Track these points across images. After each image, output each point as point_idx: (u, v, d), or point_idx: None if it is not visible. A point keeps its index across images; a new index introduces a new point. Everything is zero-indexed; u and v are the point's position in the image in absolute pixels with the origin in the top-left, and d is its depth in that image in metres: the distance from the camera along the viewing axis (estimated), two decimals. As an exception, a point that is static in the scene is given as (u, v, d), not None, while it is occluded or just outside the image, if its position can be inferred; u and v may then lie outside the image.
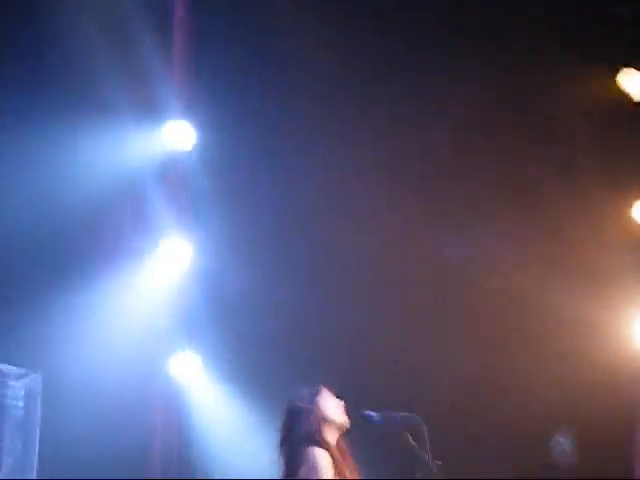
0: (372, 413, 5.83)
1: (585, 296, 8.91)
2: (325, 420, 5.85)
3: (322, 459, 5.70)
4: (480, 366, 9.46)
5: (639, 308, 9.12)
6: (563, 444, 9.45)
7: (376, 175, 9.68)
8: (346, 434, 5.95)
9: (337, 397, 5.95)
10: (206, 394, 10.08)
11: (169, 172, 10.07)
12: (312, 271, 9.87)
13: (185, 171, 10.12)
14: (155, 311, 9.84)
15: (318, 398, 5.87)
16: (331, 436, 5.88)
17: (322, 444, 5.76)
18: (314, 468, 5.71)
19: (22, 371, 8.88)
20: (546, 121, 9.31)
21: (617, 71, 9.16)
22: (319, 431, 5.81)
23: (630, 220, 9.15)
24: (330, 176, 9.77)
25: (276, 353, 9.72)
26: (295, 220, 9.90)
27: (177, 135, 10.02)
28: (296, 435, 5.80)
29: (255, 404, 9.47)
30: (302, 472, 5.77)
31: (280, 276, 9.78)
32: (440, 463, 5.66)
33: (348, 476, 5.82)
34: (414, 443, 5.72)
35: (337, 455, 5.81)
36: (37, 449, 8.86)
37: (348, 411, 5.88)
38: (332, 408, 5.90)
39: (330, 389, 5.95)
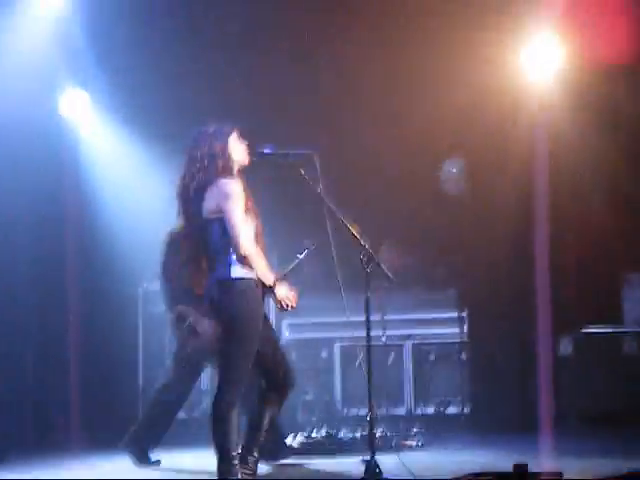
0: (266, 149, 6.30)
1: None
2: (232, 158, 6.17)
3: (237, 187, 6.06)
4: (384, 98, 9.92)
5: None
6: (452, 172, 9.93)
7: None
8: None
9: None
10: (99, 133, 10.23)
11: None
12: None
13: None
14: (38, 49, 9.56)
15: (230, 137, 6.17)
16: (235, 171, 6.19)
17: (234, 174, 6.14)
18: (229, 196, 6.01)
19: None
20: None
21: None
22: (230, 164, 6.15)
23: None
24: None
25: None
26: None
27: None
28: (209, 161, 6.10)
29: (152, 144, 9.63)
30: (210, 199, 6.03)
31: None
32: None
33: (250, 206, 6.12)
34: (305, 175, 6.20)
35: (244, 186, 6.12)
36: None
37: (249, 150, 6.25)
38: (240, 149, 6.20)
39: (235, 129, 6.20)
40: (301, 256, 7.25)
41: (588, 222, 9.77)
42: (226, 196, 6.00)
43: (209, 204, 6.07)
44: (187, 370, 7.92)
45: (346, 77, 10.23)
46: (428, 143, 10.11)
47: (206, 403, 9.85)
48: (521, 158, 9.63)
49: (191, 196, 6.13)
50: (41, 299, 10.25)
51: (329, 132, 9.72)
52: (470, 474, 5.65)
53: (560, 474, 5.54)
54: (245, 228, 6.03)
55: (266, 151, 6.30)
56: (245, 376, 6.08)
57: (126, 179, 10.30)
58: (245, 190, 6.17)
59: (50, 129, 10.08)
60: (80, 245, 10.38)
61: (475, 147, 9.82)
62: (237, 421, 6.06)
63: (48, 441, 9.78)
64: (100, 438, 9.42)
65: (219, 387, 6.08)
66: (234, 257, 6.03)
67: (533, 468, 5.40)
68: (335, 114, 10.16)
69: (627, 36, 9.15)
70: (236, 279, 6.03)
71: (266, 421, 6.20)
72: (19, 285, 10.00)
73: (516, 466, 5.23)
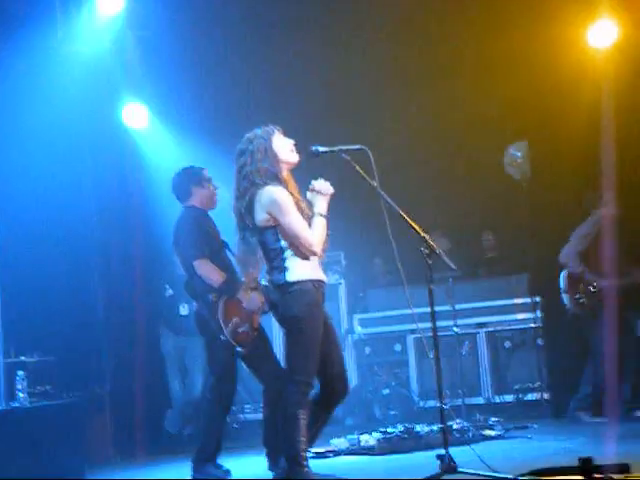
0: (319, 147, 6.21)
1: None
2: (278, 159, 6.18)
3: (282, 194, 6.08)
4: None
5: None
6: (516, 156, 9.77)
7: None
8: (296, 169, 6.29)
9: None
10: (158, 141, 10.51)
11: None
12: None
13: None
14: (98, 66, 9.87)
15: (272, 137, 6.20)
16: (283, 172, 6.24)
17: (279, 180, 6.16)
18: (279, 205, 6.04)
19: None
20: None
21: None
22: (275, 166, 6.16)
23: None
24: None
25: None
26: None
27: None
28: (253, 169, 6.14)
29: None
30: (260, 209, 6.08)
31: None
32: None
33: (303, 208, 6.16)
34: (361, 170, 6.10)
35: (291, 190, 6.20)
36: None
37: (298, 149, 6.26)
38: (284, 147, 6.22)
39: (281, 129, 6.26)
40: None
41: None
42: (277, 206, 6.04)
43: (260, 214, 6.10)
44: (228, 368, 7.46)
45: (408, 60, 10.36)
46: (491, 127, 10.02)
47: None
48: (584, 139, 9.34)
49: (241, 208, 6.15)
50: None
51: (386, 117, 9.78)
52: (534, 470, 5.58)
53: (627, 466, 5.35)
54: (307, 229, 6.07)
55: (318, 149, 6.19)
56: (311, 376, 6.08)
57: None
58: (293, 190, 6.21)
59: (113, 138, 10.25)
60: (143, 250, 10.34)
61: (538, 130, 9.62)
62: (306, 421, 6.05)
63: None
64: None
65: (287, 388, 6.08)
66: (287, 262, 6.09)
67: (609, 455, 5.26)
68: (389, 100, 10.26)
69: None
70: (292, 282, 6.08)
71: (314, 431, 6.21)
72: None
73: (581, 460, 5.14)
